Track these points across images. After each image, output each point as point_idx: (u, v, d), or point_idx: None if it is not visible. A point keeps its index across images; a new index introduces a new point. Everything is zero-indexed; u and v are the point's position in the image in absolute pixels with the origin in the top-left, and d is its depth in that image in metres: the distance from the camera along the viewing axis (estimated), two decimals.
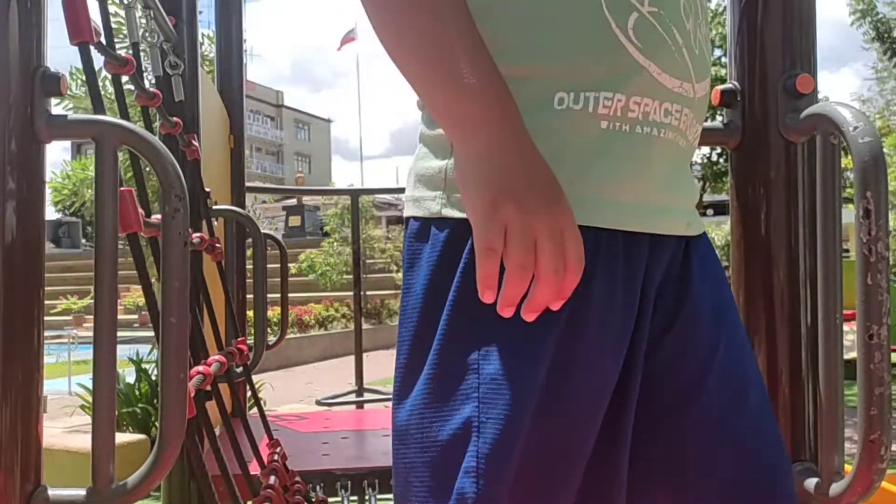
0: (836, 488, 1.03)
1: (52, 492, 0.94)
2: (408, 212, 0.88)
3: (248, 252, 2.97)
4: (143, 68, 1.77)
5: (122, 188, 1.01)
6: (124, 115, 1.48)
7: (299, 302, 14.03)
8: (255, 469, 1.95)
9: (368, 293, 14.95)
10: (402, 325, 0.84)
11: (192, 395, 1.34)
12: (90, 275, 1.14)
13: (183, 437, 0.96)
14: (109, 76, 1.50)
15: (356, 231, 3.83)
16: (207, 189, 2.09)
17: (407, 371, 0.82)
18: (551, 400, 0.76)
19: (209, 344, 1.85)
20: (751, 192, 1.20)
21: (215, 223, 2.15)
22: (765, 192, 1.18)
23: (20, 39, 0.95)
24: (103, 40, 1.36)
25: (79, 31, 1.20)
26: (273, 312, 4.04)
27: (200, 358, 1.63)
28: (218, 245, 1.96)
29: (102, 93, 1.36)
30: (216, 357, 1.64)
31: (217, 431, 2.07)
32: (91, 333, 0.96)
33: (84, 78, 1.64)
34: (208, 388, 1.63)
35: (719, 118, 1.26)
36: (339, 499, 2.14)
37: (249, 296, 2.85)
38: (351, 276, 4.34)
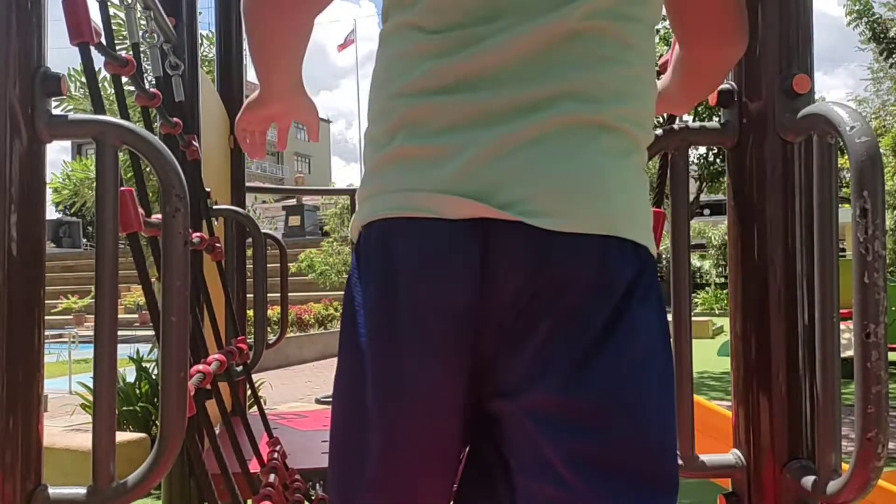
0: (833, 486, 1.03)
1: (52, 490, 0.95)
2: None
3: (248, 252, 2.97)
4: (144, 69, 1.77)
5: (122, 188, 1.01)
6: (124, 115, 1.48)
7: (299, 301, 14.01)
8: (254, 467, 1.95)
9: None
10: None
11: (193, 393, 1.35)
12: (91, 274, 1.15)
13: (183, 436, 0.96)
14: (109, 77, 1.50)
15: None
16: (207, 189, 2.09)
17: None
18: None
19: (209, 343, 1.86)
20: (748, 191, 1.20)
21: (215, 223, 2.15)
22: (762, 192, 1.18)
23: (21, 40, 0.95)
24: (103, 41, 1.37)
25: (79, 31, 1.20)
26: (273, 311, 4.04)
27: (200, 357, 1.63)
28: (218, 245, 1.97)
29: (102, 94, 1.37)
30: (216, 356, 1.64)
31: (217, 430, 2.07)
32: (91, 332, 0.97)
33: (83, 79, 1.64)
34: (208, 386, 1.63)
35: (716, 119, 1.26)
36: None
37: (249, 295, 2.86)
38: None
